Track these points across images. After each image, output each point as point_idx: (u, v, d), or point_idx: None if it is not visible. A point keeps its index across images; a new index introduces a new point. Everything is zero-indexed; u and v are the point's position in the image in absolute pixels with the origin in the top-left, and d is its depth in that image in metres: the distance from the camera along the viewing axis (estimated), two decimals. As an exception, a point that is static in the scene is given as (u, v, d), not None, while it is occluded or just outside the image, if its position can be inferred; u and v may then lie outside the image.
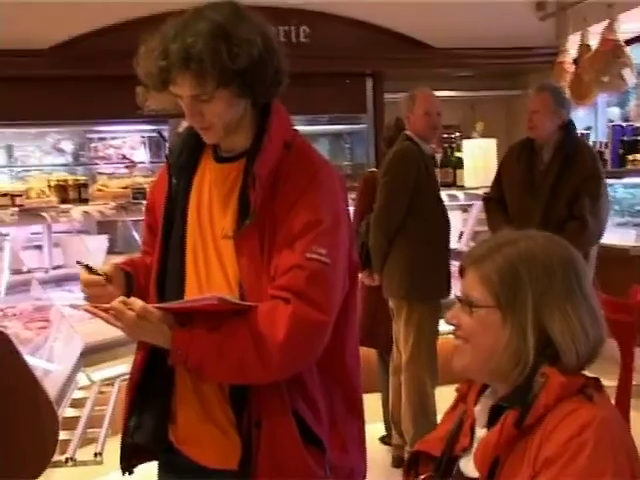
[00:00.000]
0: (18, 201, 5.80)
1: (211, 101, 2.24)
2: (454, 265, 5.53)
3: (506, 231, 2.10)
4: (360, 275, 5.49)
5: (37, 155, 10.16)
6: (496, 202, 5.46)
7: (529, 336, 1.93)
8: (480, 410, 2.10)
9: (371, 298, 5.52)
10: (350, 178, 8.36)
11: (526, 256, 1.98)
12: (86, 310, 2.23)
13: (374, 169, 6.13)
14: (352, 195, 5.88)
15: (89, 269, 2.38)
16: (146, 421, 2.40)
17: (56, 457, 4.07)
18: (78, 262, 2.43)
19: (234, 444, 2.27)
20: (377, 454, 5.55)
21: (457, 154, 7.07)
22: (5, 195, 5.77)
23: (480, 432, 2.06)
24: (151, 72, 2.24)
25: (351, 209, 5.67)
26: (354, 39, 9.60)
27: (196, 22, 2.21)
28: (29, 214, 5.82)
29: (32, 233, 6.89)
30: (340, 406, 2.39)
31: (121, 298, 2.19)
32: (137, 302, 2.17)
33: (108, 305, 2.18)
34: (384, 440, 5.77)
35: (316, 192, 2.27)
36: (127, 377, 4.85)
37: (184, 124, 2.47)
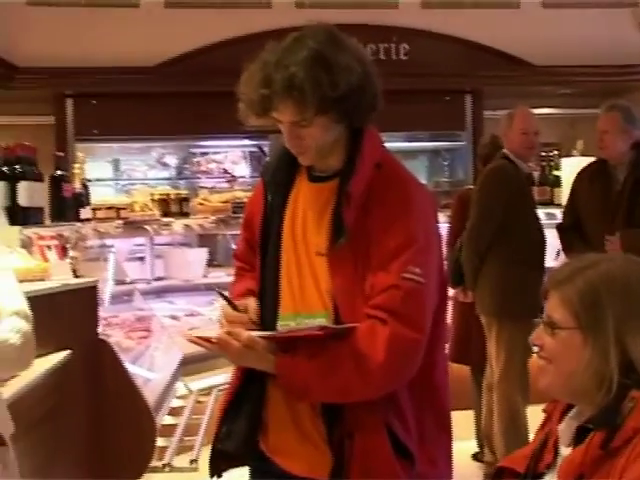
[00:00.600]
0: (123, 214, 5.98)
1: (310, 126, 2.30)
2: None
3: (588, 254, 2.13)
4: (454, 291, 5.51)
5: (142, 169, 10.41)
6: (572, 230, 5.36)
7: (611, 357, 1.95)
8: (564, 429, 2.12)
9: (464, 315, 5.53)
10: (448, 195, 8.35)
11: (606, 277, 2.00)
12: (191, 341, 2.33)
13: (470, 186, 6.13)
14: (449, 212, 5.91)
15: (231, 304, 2.45)
16: (237, 429, 2.47)
17: (154, 463, 4.20)
18: (220, 293, 2.49)
19: (324, 455, 2.33)
20: (469, 471, 5.55)
21: (555, 172, 7.00)
22: (111, 208, 5.96)
23: (564, 450, 2.08)
24: (253, 99, 2.30)
25: (447, 226, 5.70)
26: (454, 56, 9.61)
27: (297, 50, 2.27)
28: (133, 227, 5.99)
29: (135, 245, 7.06)
30: (429, 421, 2.43)
31: (226, 329, 2.28)
32: (242, 333, 2.25)
33: (215, 336, 2.26)
34: (476, 457, 5.76)
35: (409, 212, 2.31)
36: (224, 387, 5.01)
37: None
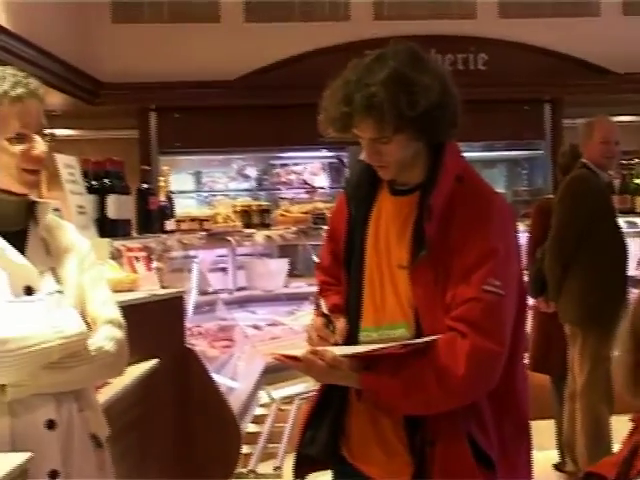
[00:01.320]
0: (206, 225, 6.09)
1: (389, 143, 2.35)
2: (633, 292, 5.47)
3: None
4: (534, 301, 5.50)
5: (223, 181, 10.57)
6: None
7: None
8: None
9: (545, 325, 5.51)
10: (527, 205, 8.31)
11: None
12: (276, 359, 2.41)
13: (550, 196, 6.11)
14: (528, 221, 5.89)
15: (326, 317, 2.50)
16: (320, 435, 2.54)
17: (239, 469, 4.28)
18: (317, 303, 2.57)
19: (405, 461, 2.38)
20: (551, 481, 5.53)
21: (636, 180, 6.93)
22: (194, 220, 6.08)
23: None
24: (334, 116, 2.37)
25: (526, 235, 5.69)
26: (532, 65, 9.57)
27: (378, 69, 2.33)
28: (216, 238, 6.09)
29: (218, 256, 7.16)
30: (510, 429, 2.46)
31: (311, 349, 2.35)
32: (327, 353, 2.32)
33: (300, 355, 2.33)
34: (558, 467, 5.73)
35: (489, 224, 2.35)
36: (306, 395, 5.07)
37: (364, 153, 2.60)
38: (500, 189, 9.64)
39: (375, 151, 2.38)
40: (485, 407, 2.38)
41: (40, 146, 2.35)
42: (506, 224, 2.43)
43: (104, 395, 3.02)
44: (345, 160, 10.00)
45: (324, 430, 2.53)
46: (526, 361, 4.58)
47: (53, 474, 2.29)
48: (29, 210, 2.44)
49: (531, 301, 5.35)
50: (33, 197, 2.45)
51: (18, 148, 2.31)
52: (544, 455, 5.49)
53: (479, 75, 9.62)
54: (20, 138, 2.31)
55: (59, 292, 2.39)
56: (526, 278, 5.19)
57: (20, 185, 2.36)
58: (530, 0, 9.83)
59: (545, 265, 5.25)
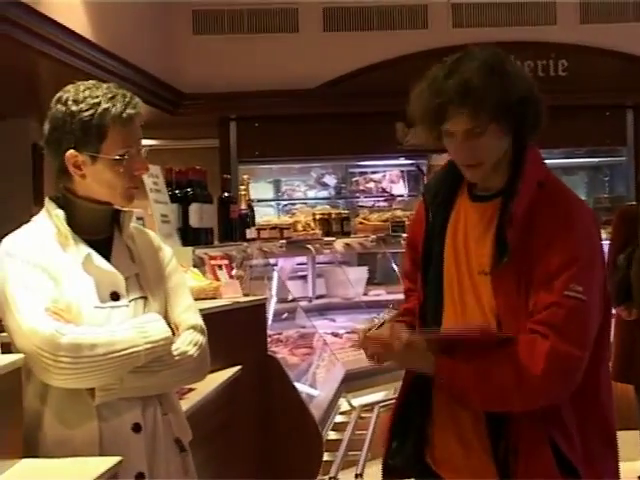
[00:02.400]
0: (286, 234, 6.13)
1: (483, 135, 2.34)
2: None
3: None
4: (617, 309, 5.42)
5: (302, 189, 10.63)
6: None
7: None
8: None
9: (628, 333, 5.42)
10: (609, 212, 8.19)
11: None
12: (360, 344, 2.45)
13: (632, 203, 6.02)
14: (609, 229, 5.81)
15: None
16: (406, 444, 2.55)
17: (320, 477, 4.29)
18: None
19: (488, 468, 2.37)
20: (636, 492, 5.43)
21: None
22: (274, 228, 6.12)
23: None
24: (427, 109, 2.37)
25: (608, 243, 5.61)
26: (614, 71, 9.44)
27: (467, 61, 2.35)
28: (295, 246, 6.12)
29: (297, 264, 7.19)
30: (595, 438, 2.43)
31: (388, 328, 2.39)
32: (404, 333, 2.35)
33: (380, 335, 2.38)
34: (643, 479, 5.64)
35: (572, 230, 2.33)
36: (386, 403, 5.07)
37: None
38: (581, 196, 9.48)
39: (468, 146, 2.36)
40: (569, 415, 2.36)
41: (143, 164, 2.42)
42: (590, 230, 2.41)
43: (189, 401, 3.07)
44: (424, 168, 9.98)
45: (409, 440, 2.54)
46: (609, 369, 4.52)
47: (140, 476, 2.34)
48: (114, 219, 2.50)
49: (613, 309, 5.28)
50: (117, 206, 2.50)
51: (124, 168, 2.36)
52: (629, 466, 5.39)
53: (559, 81, 9.53)
54: (125, 157, 2.36)
55: (144, 298, 2.45)
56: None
57: (122, 200, 2.43)
58: (611, 5, 9.70)
59: (632, 272, 5.17)
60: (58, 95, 2.39)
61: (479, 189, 2.49)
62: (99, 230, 2.45)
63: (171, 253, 2.62)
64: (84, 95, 2.35)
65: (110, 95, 2.36)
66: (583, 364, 2.29)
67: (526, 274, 2.31)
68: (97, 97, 2.35)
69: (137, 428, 2.34)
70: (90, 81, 2.43)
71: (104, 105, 2.33)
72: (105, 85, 2.41)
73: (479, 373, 2.30)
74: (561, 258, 2.29)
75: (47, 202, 2.43)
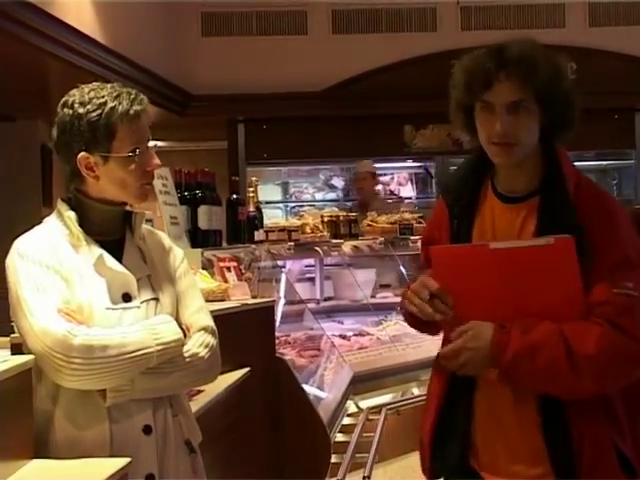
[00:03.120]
0: (294, 236, 6.13)
1: (525, 111, 2.35)
2: None
3: None
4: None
5: (310, 191, 10.65)
6: None
7: None
8: None
9: None
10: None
11: None
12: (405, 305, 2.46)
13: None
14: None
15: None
16: (450, 449, 2.50)
17: (327, 479, 4.29)
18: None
19: (543, 471, 2.36)
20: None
21: None
22: (283, 230, 6.11)
23: None
24: (475, 73, 2.36)
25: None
26: (622, 74, 9.44)
27: (510, 43, 2.38)
28: (304, 248, 6.11)
29: (305, 266, 7.18)
30: None
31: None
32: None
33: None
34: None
35: (618, 230, 2.35)
36: (394, 406, 5.07)
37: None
38: (589, 199, 9.51)
39: (508, 121, 2.35)
40: (622, 411, 2.36)
41: (154, 159, 2.43)
42: (631, 228, 2.43)
43: (198, 403, 3.08)
44: (432, 170, 9.98)
45: (453, 444, 2.50)
46: None
47: (150, 478, 2.35)
48: (125, 220, 2.51)
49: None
50: (128, 207, 2.52)
51: (136, 165, 2.38)
52: None
53: (568, 84, 9.52)
54: (136, 154, 2.38)
55: (155, 299, 2.46)
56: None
57: (137, 198, 2.45)
58: (620, 8, 9.70)
59: None
60: (63, 100, 2.41)
61: (508, 190, 2.48)
62: (111, 231, 2.46)
63: (182, 255, 2.63)
64: (89, 96, 2.37)
65: (115, 94, 2.38)
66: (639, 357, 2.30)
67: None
68: (103, 97, 2.36)
69: (148, 430, 2.36)
70: (94, 83, 2.44)
71: (110, 104, 2.35)
72: (109, 85, 2.42)
73: (531, 345, 2.29)
74: (612, 258, 2.31)
75: (59, 203, 2.44)
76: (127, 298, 2.40)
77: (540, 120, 2.38)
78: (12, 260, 2.33)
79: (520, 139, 2.37)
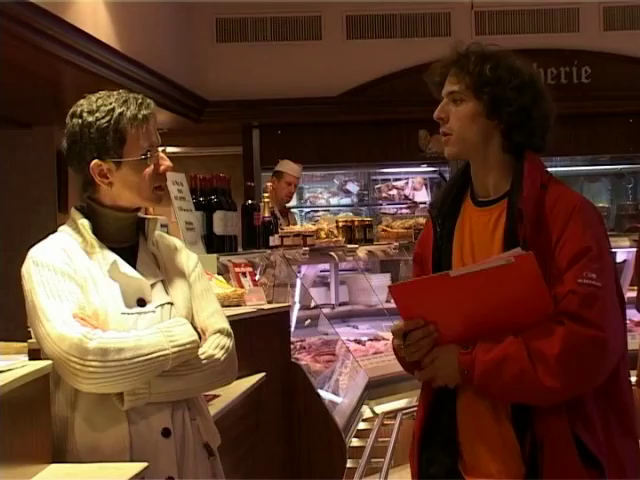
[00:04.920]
0: (309, 241, 6.13)
1: (461, 104, 2.45)
2: None
3: None
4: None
5: (325, 196, 10.66)
6: None
7: None
8: None
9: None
10: (633, 219, 8.17)
11: None
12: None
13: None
14: (635, 236, 5.79)
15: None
16: (437, 456, 2.51)
17: (343, 483, 4.31)
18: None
19: (516, 469, 2.37)
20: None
21: None
22: (298, 235, 6.12)
23: None
24: (434, 70, 2.54)
25: (634, 250, 5.58)
26: (637, 78, 9.41)
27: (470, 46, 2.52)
28: (319, 253, 6.12)
29: (320, 271, 7.19)
30: (617, 430, 2.42)
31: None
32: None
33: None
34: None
35: (578, 223, 2.37)
36: (409, 410, 5.07)
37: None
38: (604, 203, 9.51)
39: (443, 110, 2.48)
40: (592, 408, 2.36)
41: (166, 161, 2.46)
42: (595, 221, 2.44)
43: (214, 408, 3.08)
44: (447, 175, 9.98)
45: (439, 451, 2.52)
46: (633, 379, 4.51)
47: (169, 481, 2.36)
48: (138, 227, 2.53)
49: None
50: (141, 214, 2.54)
51: (148, 168, 2.41)
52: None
53: (582, 89, 9.51)
54: (148, 157, 2.40)
55: (170, 303, 2.47)
56: (634, 293, 5.11)
57: (150, 202, 2.48)
58: (635, 12, 9.68)
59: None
60: (72, 110, 2.44)
61: (479, 194, 2.54)
62: (124, 238, 2.48)
63: (196, 259, 2.64)
64: (97, 105, 2.40)
65: (123, 99, 2.41)
66: (607, 345, 2.30)
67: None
68: (110, 104, 2.39)
69: (167, 433, 2.37)
70: (100, 92, 2.47)
71: (118, 110, 2.38)
72: (115, 92, 2.45)
73: (496, 362, 2.31)
74: (572, 251, 2.32)
75: (72, 212, 2.47)
76: (142, 303, 2.42)
77: (488, 116, 2.44)
78: (27, 268, 2.35)
79: (454, 129, 2.46)
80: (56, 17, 5.94)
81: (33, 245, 2.41)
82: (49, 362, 2.24)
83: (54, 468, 2.22)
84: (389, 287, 2.48)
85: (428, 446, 2.54)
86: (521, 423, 2.37)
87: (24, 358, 2.71)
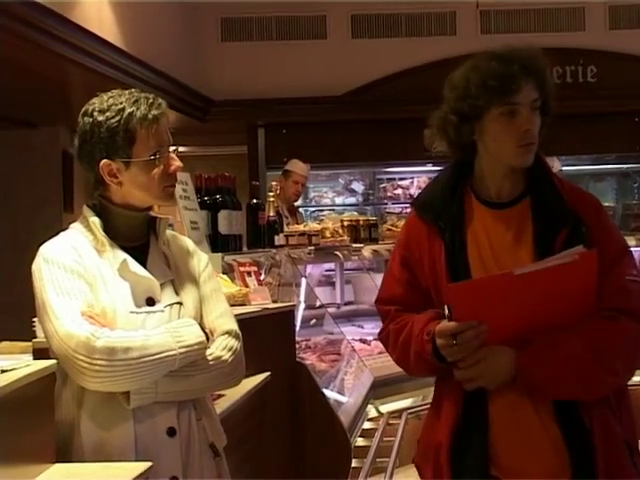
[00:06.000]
0: (314, 240, 6.12)
1: (535, 112, 2.41)
2: None
3: None
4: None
5: (330, 196, 10.66)
6: None
7: None
8: None
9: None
10: (639, 218, 8.16)
11: None
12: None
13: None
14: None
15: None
16: (468, 461, 2.44)
17: (348, 483, 4.30)
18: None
19: (562, 469, 2.35)
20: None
21: None
22: (303, 234, 6.12)
23: None
24: (502, 75, 2.37)
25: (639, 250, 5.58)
26: (643, 77, 9.40)
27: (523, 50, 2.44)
28: (324, 252, 6.11)
29: (325, 270, 7.18)
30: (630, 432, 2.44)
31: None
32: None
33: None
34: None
35: (608, 221, 2.45)
36: (414, 410, 5.06)
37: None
38: (610, 202, 9.50)
39: (533, 121, 2.40)
40: (615, 399, 2.41)
41: (176, 161, 2.46)
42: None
43: (219, 407, 3.07)
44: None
45: (471, 456, 2.45)
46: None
47: (174, 480, 2.36)
48: (149, 226, 2.53)
49: None
50: (152, 213, 2.54)
51: (157, 168, 2.40)
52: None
53: (588, 88, 9.50)
54: (157, 157, 2.40)
55: (179, 303, 2.47)
56: None
57: (161, 200, 2.49)
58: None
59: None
60: (84, 109, 2.44)
61: (494, 197, 2.49)
62: (135, 237, 2.49)
63: (207, 259, 2.65)
64: (108, 104, 2.40)
65: (133, 99, 2.40)
66: None
67: None
68: (121, 103, 2.39)
69: (172, 432, 2.36)
70: (113, 90, 2.47)
71: (129, 109, 2.38)
72: (127, 91, 2.45)
73: (561, 362, 2.31)
74: (614, 248, 2.38)
75: (84, 209, 2.47)
76: (151, 302, 2.42)
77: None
78: (38, 265, 2.36)
79: (536, 139, 2.43)
80: (61, 17, 5.95)
81: (39, 245, 2.41)
82: (53, 362, 2.25)
83: (58, 468, 2.22)
84: (449, 286, 2.34)
85: (462, 450, 2.45)
86: (567, 423, 2.35)
87: (29, 357, 2.71)
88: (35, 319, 2.67)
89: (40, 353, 2.43)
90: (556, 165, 6.88)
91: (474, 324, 2.30)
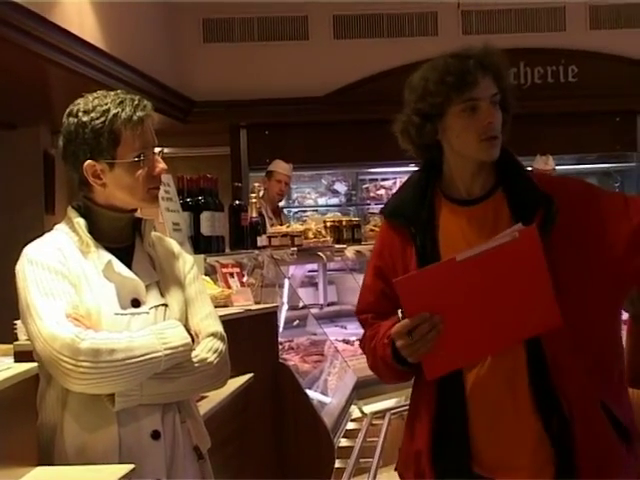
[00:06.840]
0: (297, 241, 6.12)
1: (496, 107, 2.40)
2: None
3: None
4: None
5: (312, 196, 10.66)
6: None
7: None
8: None
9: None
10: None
11: None
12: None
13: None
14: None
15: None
16: (449, 459, 2.42)
17: (331, 484, 4.30)
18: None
19: (545, 455, 2.33)
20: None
21: None
22: (285, 236, 6.11)
23: None
24: (447, 77, 2.37)
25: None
26: (623, 76, 9.45)
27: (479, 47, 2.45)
28: (307, 253, 6.11)
29: (308, 271, 7.18)
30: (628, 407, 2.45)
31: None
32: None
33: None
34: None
35: (600, 188, 2.49)
36: (397, 410, 5.06)
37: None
38: (592, 202, 9.52)
39: (494, 114, 2.40)
40: (616, 375, 2.41)
41: (160, 163, 2.45)
42: None
43: (202, 409, 3.05)
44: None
45: (453, 454, 2.43)
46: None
47: (158, 483, 2.35)
48: (135, 227, 2.52)
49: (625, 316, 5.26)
50: (137, 214, 2.53)
51: (142, 170, 2.40)
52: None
53: (569, 87, 9.54)
54: (141, 159, 2.39)
55: (164, 305, 2.47)
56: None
57: (145, 202, 2.47)
58: (621, 10, 9.71)
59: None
60: (69, 109, 2.43)
61: (465, 194, 2.48)
62: (120, 238, 2.48)
63: (192, 261, 2.64)
64: (93, 104, 2.39)
65: (119, 100, 2.39)
66: None
67: (576, 250, 2.35)
68: (106, 104, 2.38)
69: (156, 435, 2.36)
70: (99, 91, 2.46)
71: (113, 111, 2.37)
72: (113, 92, 2.44)
73: None
74: (618, 194, 2.50)
75: (69, 210, 2.46)
76: (136, 304, 2.42)
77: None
78: (22, 266, 2.35)
79: (499, 132, 2.42)
80: (41, 17, 5.91)
81: (22, 246, 2.41)
82: (35, 364, 2.24)
83: (40, 471, 2.21)
84: (395, 282, 2.29)
85: (441, 456, 2.44)
86: (547, 414, 2.33)
87: (10, 360, 2.70)
88: (16, 321, 2.66)
89: (21, 356, 2.42)
90: (550, 163, 6.94)
91: (427, 316, 2.25)
